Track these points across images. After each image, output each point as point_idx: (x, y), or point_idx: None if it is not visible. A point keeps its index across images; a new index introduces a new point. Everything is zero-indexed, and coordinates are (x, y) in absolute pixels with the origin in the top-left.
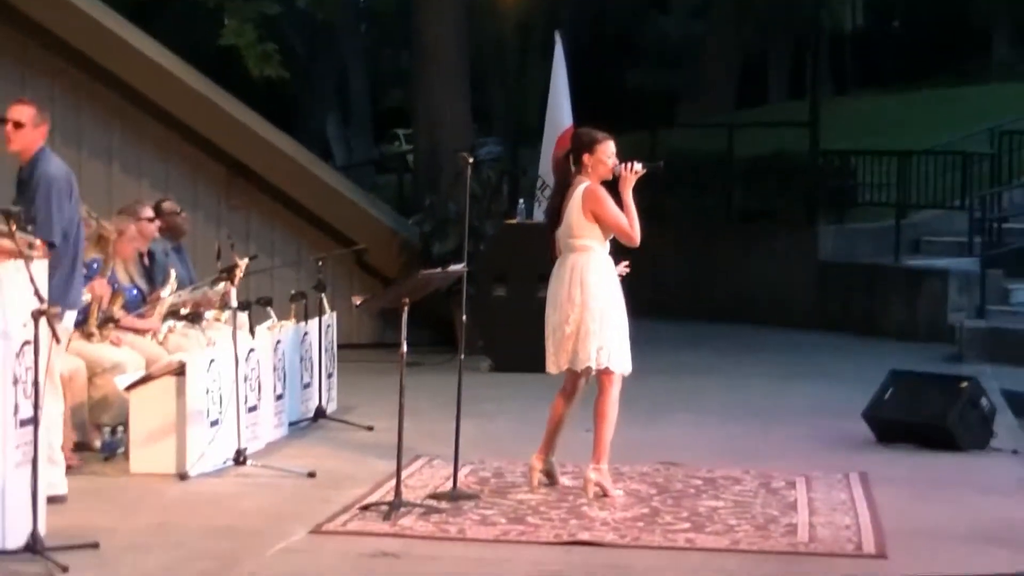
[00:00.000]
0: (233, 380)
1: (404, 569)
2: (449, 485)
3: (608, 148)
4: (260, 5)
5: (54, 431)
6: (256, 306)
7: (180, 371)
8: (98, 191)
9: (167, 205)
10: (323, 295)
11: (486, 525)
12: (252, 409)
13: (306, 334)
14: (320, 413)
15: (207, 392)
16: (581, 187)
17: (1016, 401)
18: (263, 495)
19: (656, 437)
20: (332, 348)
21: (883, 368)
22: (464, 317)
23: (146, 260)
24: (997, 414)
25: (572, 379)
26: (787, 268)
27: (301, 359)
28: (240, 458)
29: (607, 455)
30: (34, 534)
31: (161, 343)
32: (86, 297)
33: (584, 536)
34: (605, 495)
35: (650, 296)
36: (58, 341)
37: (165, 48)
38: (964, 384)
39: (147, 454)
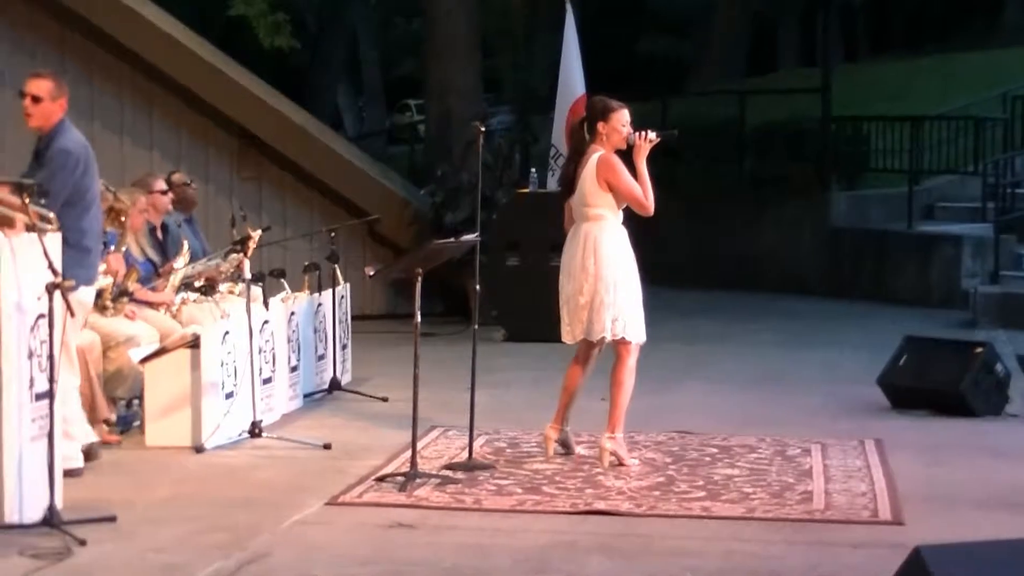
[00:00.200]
0: (247, 352)
1: (420, 540)
2: (464, 455)
3: (623, 117)
4: None
5: (70, 405)
6: (269, 278)
7: (194, 344)
8: (110, 164)
9: (177, 177)
10: (336, 266)
11: (502, 495)
12: (267, 381)
13: (320, 305)
14: (335, 385)
15: (222, 364)
16: (595, 156)
17: None
18: (278, 467)
19: (670, 405)
20: (346, 319)
21: (897, 334)
22: (477, 287)
23: (159, 233)
24: (1011, 379)
25: (586, 348)
26: (799, 235)
27: (315, 330)
28: (255, 430)
29: (622, 424)
30: (51, 508)
31: (175, 316)
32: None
33: (600, 505)
34: (620, 464)
35: (662, 264)
36: (72, 315)
37: (176, 19)
38: (978, 350)
39: (162, 427)
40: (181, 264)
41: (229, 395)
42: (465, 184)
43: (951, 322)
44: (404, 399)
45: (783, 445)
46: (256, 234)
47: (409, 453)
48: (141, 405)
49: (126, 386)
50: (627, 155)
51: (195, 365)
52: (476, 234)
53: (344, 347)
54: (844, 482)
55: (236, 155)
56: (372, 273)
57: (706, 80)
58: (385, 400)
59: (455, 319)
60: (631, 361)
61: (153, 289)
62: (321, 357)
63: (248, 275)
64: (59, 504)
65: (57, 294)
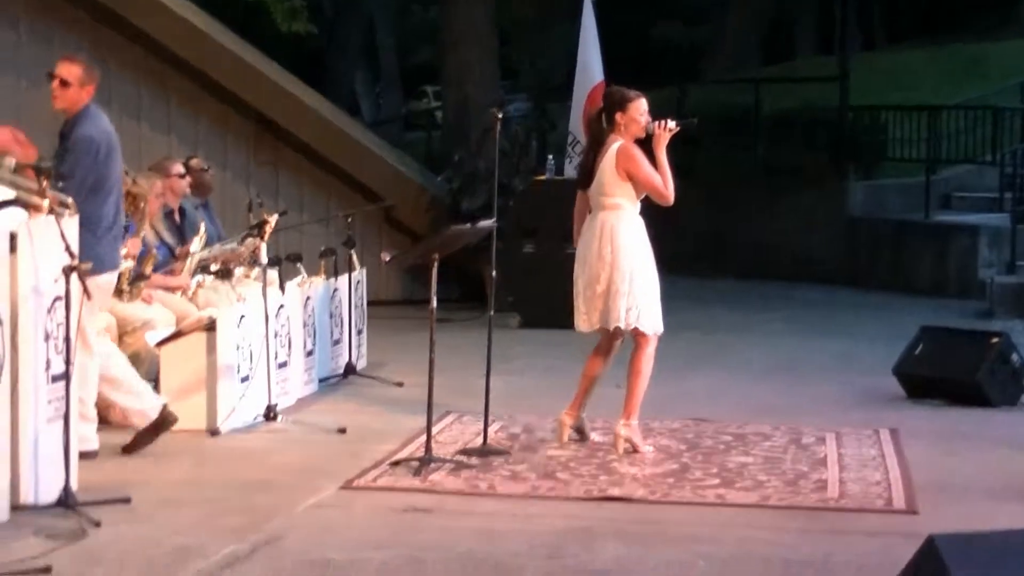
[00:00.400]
0: (263, 336)
1: (434, 524)
2: (479, 441)
3: (641, 106)
4: None
5: (88, 387)
6: (286, 262)
7: (210, 327)
8: (128, 148)
9: (195, 162)
10: (352, 251)
11: (516, 481)
12: (282, 365)
13: (336, 290)
14: (350, 369)
15: (237, 348)
16: (615, 146)
17: None
18: (293, 451)
19: (685, 393)
20: (362, 304)
21: (913, 324)
22: (493, 273)
23: (177, 217)
24: None
25: (608, 339)
26: (816, 224)
27: (331, 315)
28: (270, 414)
29: (638, 411)
30: (66, 489)
31: (191, 299)
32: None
33: (614, 492)
34: (635, 451)
35: (677, 252)
36: (89, 297)
37: (193, 4)
38: (995, 340)
39: (178, 410)
40: (197, 247)
41: (245, 379)
42: (482, 171)
43: (967, 312)
44: (419, 384)
45: (798, 434)
46: (273, 219)
47: (424, 438)
48: (157, 388)
49: (143, 369)
50: (646, 144)
51: (211, 348)
52: (493, 220)
53: (360, 332)
54: (859, 471)
55: (253, 140)
56: (388, 259)
57: (722, 68)
58: (400, 385)
59: (471, 305)
60: (649, 349)
61: (170, 272)
62: (337, 342)
63: (264, 259)
64: (75, 485)
65: (74, 277)
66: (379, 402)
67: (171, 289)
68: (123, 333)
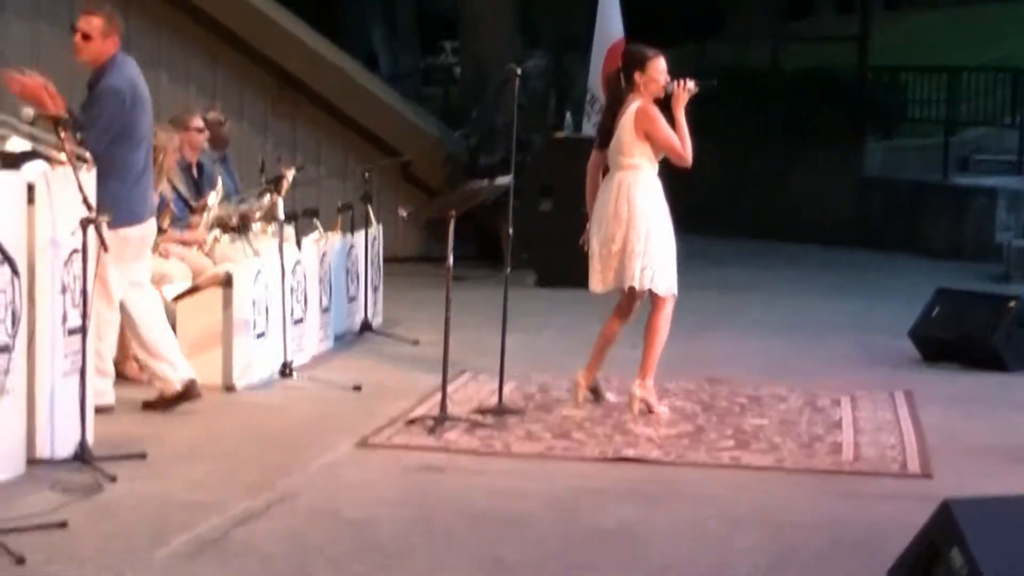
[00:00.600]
0: (279, 292)
1: (449, 483)
2: (494, 400)
3: (659, 65)
4: None
5: (106, 341)
6: (302, 217)
7: (227, 282)
8: None
9: (212, 115)
10: (369, 206)
11: (531, 440)
12: (298, 322)
13: (352, 247)
14: (366, 326)
15: (253, 304)
16: (633, 106)
17: None
18: (309, 408)
19: (700, 353)
20: (378, 261)
21: (929, 287)
22: (510, 230)
23: (195, 171)
24: None
25: (628, 300)
26: (833, 184)
27: (347, 272)
28: (286, 370)
29: (653, 372)
30: (82, 443)
31: (207, 254)
32: None
33: (629, 453)
34: (650, 412)
35: (693, 210)
36: (106, 250)
37: None
38: (1011, 303)
39: (193, 365)
40: (214, 201)
41: (260, 335)
42: (500, 126)
43: (984, 275)
44: (435, 342)
45: (813, 396)
46: (290, 173)
47: (439, 396)
48: None
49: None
50: (664, 103)
51: (227, 304)
52: (510, 177)
53: (376, 289)
54: (873, 434)
55: (271, 93)
56: (405, 215)
57: (743, 24)
58: (416, 343)
59: (487, 263)
60: (666, 310)
61: (187, 227)
62: (352, 299)
63: (281, 215)
64: (91, 440)
65: (91, 229)
66: (394, 360)
67: (187, 244)
68: None
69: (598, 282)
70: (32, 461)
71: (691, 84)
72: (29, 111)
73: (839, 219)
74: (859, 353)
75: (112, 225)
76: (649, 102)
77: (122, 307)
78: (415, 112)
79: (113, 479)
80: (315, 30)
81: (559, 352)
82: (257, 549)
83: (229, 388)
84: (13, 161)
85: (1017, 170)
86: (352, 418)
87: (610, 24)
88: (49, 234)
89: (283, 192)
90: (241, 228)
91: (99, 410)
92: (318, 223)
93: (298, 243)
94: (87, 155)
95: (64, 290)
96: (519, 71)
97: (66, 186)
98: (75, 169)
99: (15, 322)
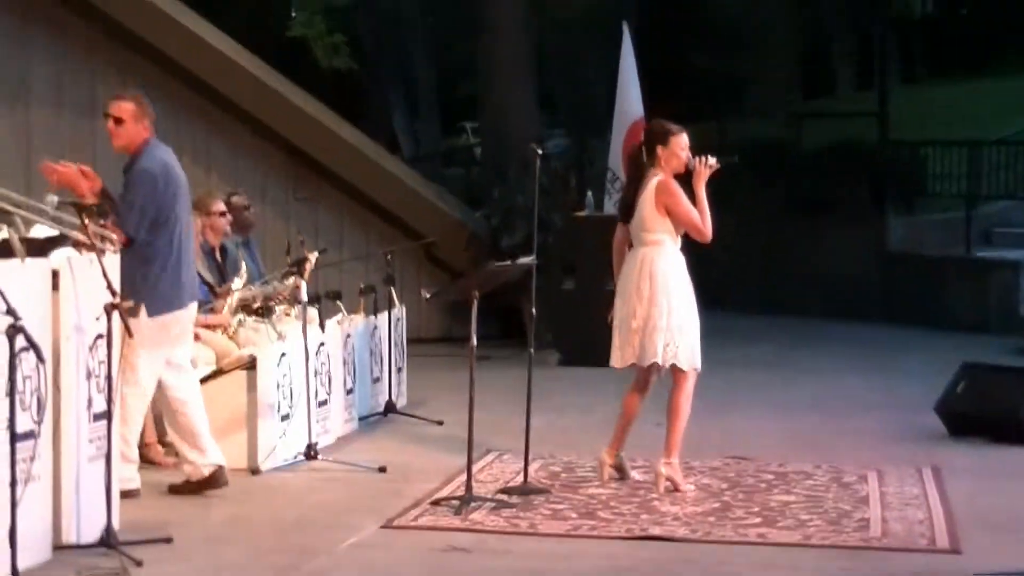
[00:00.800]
0: (303, 374)
1: (475, 563)
2: (519, 479)
3: (682, 141)
4: None
5: (133, 427)
6: (326, 300)
7: (251, 365)
8: None
9: (236, 200)
10: (392, 288)
11: (557, 519)
12: (322, 403)
13: (376, 328)
14: (390, 407)
15: (278, 386)
16: (654, 180)
17: None
18: (334, 489)
19: (725, 431)
20: (402, 342)
21: (954, 361)
22: (533, 310)
23: (218, 256)
24: None
25: (644, 374)
26: (854, 259)
27: (371, 353)
28: (311, 452)
29: (678, 450)
30: (108, 528)
31: (231, 337)
32: None
33: (655, 531)
34: (676, 489)
35: (714, 287)
36: (131, 335)
37: (233, 40)
38: None
39: (218, 448)
40: (239, 285)
41: (285, 417)
42: (521, 207)
43: (1009, 349)
44: (459, 422)
45: (839, 472)
46: (313, 256)
47: (464, 476)
48: None
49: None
50: (685, 179)
51: (251, 387)
52: (532, 257)
53: (400, 370)
54: (901, 510)
55: (293, 176)
56: (428, 296)
57: (762, 100)
58: (440, 423)
59: (510, 342)
60: (688, 387)
61: (211, 311)
62: (377, 380)
63: (305, 297)
64: (116, 525)
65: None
66: (419, 440)
67: (212, 327)
68: None
69: (618, 358)
70: (58, 547)
71: (712, 160)
72: (53, 198)
73: (862, 294)
74: (885, 428)
75: (150, 312)
76: (670, 177)
77: (160, 387)
78: (437, 193)
79: (139, 564)
80: (337, 112)
81: (583, 431)
82: None
83: (254, 471)
84: (40, 247)
85: None
86: (377, 499)
87: (630, 102)
88: (74, 320)
89: (306, 275)
90: (265, 311)
91: (125, 494)
92: (341, 305)
93: (322, 325)
94: (113, 236)
95: (89, 375)
96: (540, 151)
97: (91, 271)
98: (99, 254)
99: (40, 408)
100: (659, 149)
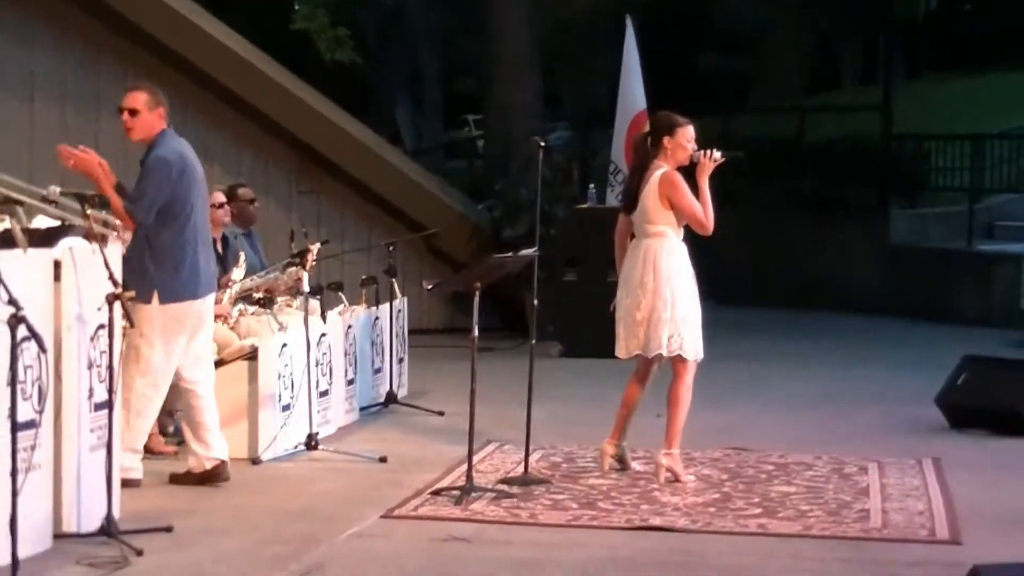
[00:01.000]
0: (305, 365)
1: (475, 554)
2: (520, 470)
3: (688, 133)
4: None
5: (146, 419)
6: (327, 291)
7: (252, 356)
8: None
9: (242, 192)
10: (394, 280)
11: (557, 510)
12: (323, 394)
13: (377, 319)
14: (391, 398)
15: (279, 377)
16: (658, 172)
17: None
18: (335, 479)
19: (726, 422)
20: (403, 333)
21: (955, 354)
22: (535, 302)
23: (219, 246)
24: None
25: (645, 364)
26: (858, 253)
27: (372, 344)
28: (312, 443)
29: (679, 440)
30: (109, 517)
31: (232, 328)
32: None
33: (655, 521)
34: (676, 480)
35: (718, 281)
36: (132, 325)
37: (236, 33)
38: None
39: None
40: (238, 276)
41: (286, 407)
42: (524, 199)
43: (1011, 341)
44: (460, 413)
45: (840, 463)
46: (315, 247)
47: (465, 467)
48: None
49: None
50: (689, 171)
51: (252, 377)
52: (534, 249)
53: (401, 361)
54: (901, 501)
55: (296, 168)
56: (430, 287)
57: (767, 96)
58: (441, 414)
59: (512, 334)
60: (688, 378)
61: None
62: (378, 370)
63: (306, 288)
64: (117, 514)
65: (117, 304)
66: (420, 431)
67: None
68: None
69: (621, 349)
70: (58, 536)
71: (717, 154)
72: (55, 188)
73: (864, 287)
74: (886, 420)
75: (162, 299)
76: (673, 168)
77: (176, 376)
78: (439, 186)
79: (139, 553)
80: (340, 105)
81: (585, 422)
82: None
83: (255, 461)
84: (44, 237)
85: None
86: (378, 489)
87: (633, 96)
88: (76, 310)
89: (308, 266)
90: (266, 302)
91: (126, 484)
92: (343, 296)
93: (323, 316)
94: (116, 223)
95: (91, 365)
96: (543, 144)
97: (93, 261)
98: (101, 243)
99: (42, 398)
100: (665, 140)
